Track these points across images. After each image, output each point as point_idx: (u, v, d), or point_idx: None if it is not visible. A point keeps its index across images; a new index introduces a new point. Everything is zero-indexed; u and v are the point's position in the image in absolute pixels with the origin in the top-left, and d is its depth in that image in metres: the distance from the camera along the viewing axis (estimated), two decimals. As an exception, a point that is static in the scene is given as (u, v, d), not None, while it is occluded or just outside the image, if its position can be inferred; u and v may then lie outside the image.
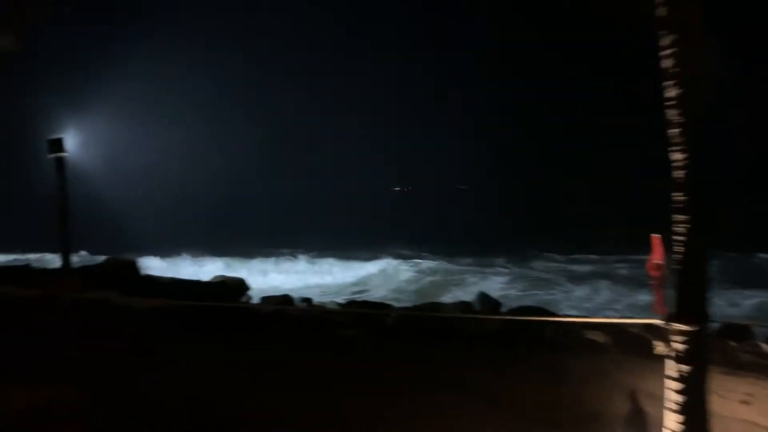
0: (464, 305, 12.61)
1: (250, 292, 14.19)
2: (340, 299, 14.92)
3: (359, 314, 11.54)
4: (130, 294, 11.68)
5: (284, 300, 12.91)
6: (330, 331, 9.39)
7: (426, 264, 24.30)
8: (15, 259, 22.11)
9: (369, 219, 45.49)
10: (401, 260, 25.05)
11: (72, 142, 14.53)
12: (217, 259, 25.02)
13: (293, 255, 27.33)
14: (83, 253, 22.61)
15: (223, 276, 14.53)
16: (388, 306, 13.28)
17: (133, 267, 13.70)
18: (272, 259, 26.35)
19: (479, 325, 9.57)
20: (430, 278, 21.39)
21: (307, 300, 14.13)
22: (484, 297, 13.27)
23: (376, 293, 19.05)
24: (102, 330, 8.40)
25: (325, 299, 15.75)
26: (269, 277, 22.09)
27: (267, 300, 13.06)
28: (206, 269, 21.24)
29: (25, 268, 13.95)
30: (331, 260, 25.44)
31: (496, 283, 19.73)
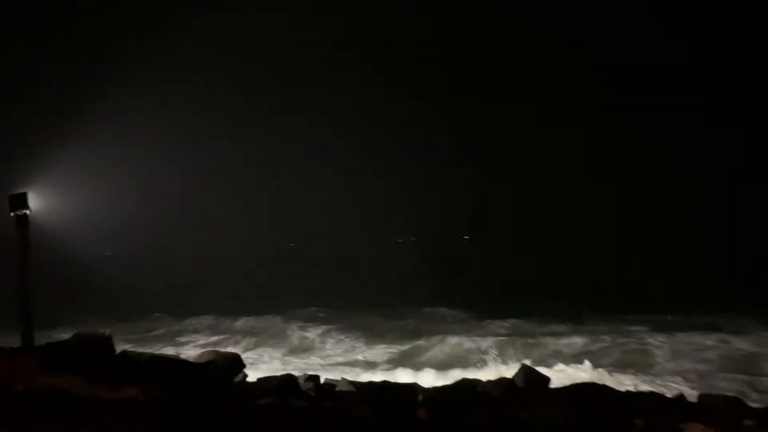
0: (508, 384, 10.64)
1: (246, 370, 12.22)
2: (352, 376, 12.96)
3: (379, 400, 9.64)
4: (100, 379, 9.75)
5: (286, 382, 10.95)
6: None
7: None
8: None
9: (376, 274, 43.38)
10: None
11: (37, 198, 12.98)
12: (204, 318, 23.00)
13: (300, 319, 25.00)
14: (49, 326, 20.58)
15: (214, 351, 12.55)
16: (413, 386, 11.32)
17: (106, 343, 11.78)
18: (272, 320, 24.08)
19: (540, 415, 7.63)
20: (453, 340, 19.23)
21: (314, 379, 12.14)
22: (529, 372, 11.29)
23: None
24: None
25: (337, 375, 13.79)
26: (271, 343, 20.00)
27: (264, 382, 11.12)
28: (192, 339, 19.19)
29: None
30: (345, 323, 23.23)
31: (542, 351, 17.49)
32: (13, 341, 12.50)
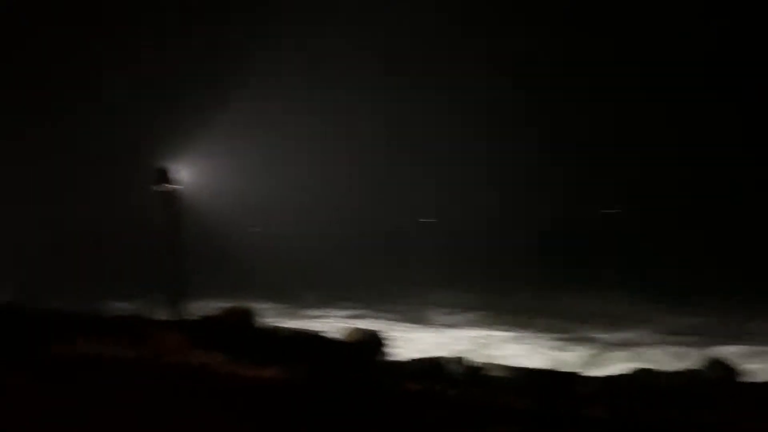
0: (692, 375, 9.09)
1: (388, 350, 11.65)
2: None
3: (539, 389, 8.59)
4: (241, 355, 9.62)
5: (431, 365, 10.19)
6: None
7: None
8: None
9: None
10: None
11: (186, 172, 13.23)
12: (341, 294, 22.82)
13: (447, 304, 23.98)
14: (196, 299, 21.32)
15: (355, 329, 12.11)
16: (573, 375, 10.10)
17: (248, 318, 11.78)
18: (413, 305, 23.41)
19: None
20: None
21: (459, 361, 11.28)
22: (716, 364, 9.60)
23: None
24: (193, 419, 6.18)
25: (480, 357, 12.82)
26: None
27: (408, 363, 10.45)
28: (333, 317, 19.05)
29: (134, 320, 12.57)
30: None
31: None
32: (162, 314, 12.98)
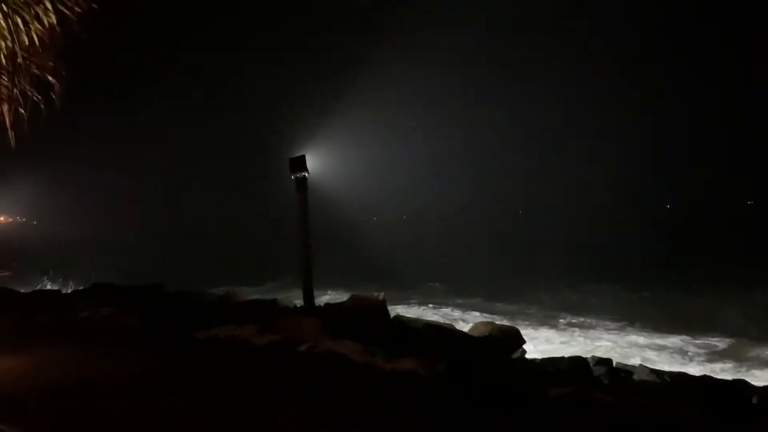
0: None
1: (525, 347, 11.06)
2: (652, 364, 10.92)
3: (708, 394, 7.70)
4: (376, 344, 9.45)
5: (576, 365, 9.46)
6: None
7: None
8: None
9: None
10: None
11: (315, 161, 13.33)
12: (472, 290, 22.21)
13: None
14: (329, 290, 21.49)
15: (491, 324, 11.59)
16: (743, 383, 8.98)
17: (381, 307, 11.64)
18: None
19: None
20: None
21: (606, 363, 10.45)
22: None
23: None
24: (335, 411, 6.02)
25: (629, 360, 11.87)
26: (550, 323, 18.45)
27: (550, 363, 9.78)
28: (461, 310, 18.53)
29: (267, 305, 12.86)
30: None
31: None
32: (293, 301, 13.19)
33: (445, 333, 10.68)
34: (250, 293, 16.40)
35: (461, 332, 11.00)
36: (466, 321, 15.10)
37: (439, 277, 26.97)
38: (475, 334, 10.91)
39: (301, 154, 12.27)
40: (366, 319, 10.90)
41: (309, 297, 11.86)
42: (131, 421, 5.59)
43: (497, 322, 11.89)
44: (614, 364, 10.43)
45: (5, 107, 3.68)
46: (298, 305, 12.56)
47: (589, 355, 11.21)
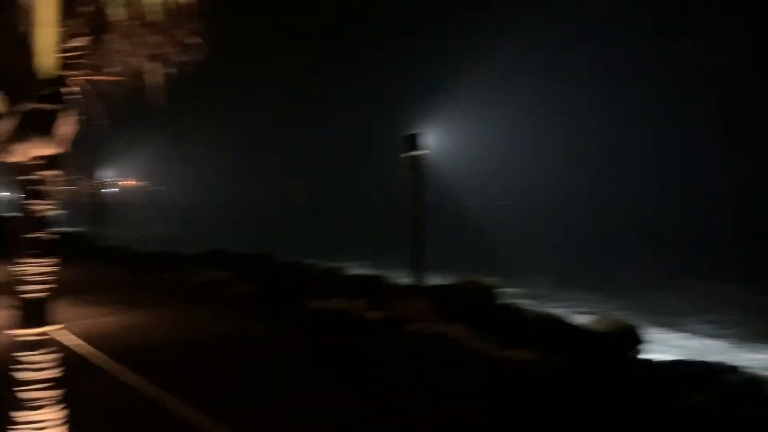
0: None
1: (643, 347, 10.39)
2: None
3: None
4: (484, 331, 9.25)
5: (702, 372, 8.77)
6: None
7: None
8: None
9: None
10: None
11: (433, 138, 13.20)
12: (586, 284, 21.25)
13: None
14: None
15: (607, 319, 11.00)
16: None
17: (490, 292, 11.36)
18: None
19: None
20: None
21: (734, 371, 9.61)
22: None
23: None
24: (448, 393, 5.93)
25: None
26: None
27: (671, 366, 9.14)
28: (577, 304, 17.77)
29: (375, 281, 12.94)
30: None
31: None
32: (403, 279, 13.19)
33: (559, 325, 10.27)
34: (353, 267, 16.63)
35: (576, 326, 10.53)
36: (581, 313, 14.48)
37: (556, 265, 26.15)
38: (592, 328, 10.40)
39: (417, 132, 12.17)
40: (477, 303, 10.70)
41: (418, 276, 11.81)
42: (272, 384, 5.77)
43: (614, 318, 11.28)
44: (745, 372, 9.60)
45: (153, 66, 3.70)
46: (408, 284, 12.53)
47: (713, 360, 10.44)
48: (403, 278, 13.05)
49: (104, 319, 8.84)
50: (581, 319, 11.44)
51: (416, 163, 12.10)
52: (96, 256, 18.15)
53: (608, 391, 6.20)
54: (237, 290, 12.55)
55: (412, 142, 12.02)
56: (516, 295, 15.95)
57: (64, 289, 3.45)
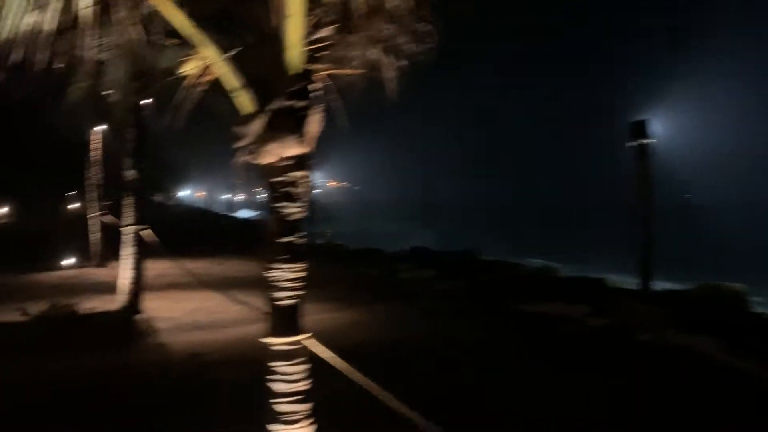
0: None
1: None
2: None
3: None
4: (737, 345, 7.92)
5: None
6: None
7: None
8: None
9: None
10: None
11: (661, 126, 11.83)
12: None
13: None
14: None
15: None
16: None
17: (737, 300, 9.83)
18: None
19: None
20: None
21: None
22: None
23: None
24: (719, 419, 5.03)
25: None
26: None
27: None
28: None
29: (596, 284, 11.94)
30: None
31: None
32: (626, 283, 11.99)
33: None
34: (567, 269, 15.57)
35: None
36: None
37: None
38: None
39: (644, 119, 10.98)
40: (721, 312, 9.28)
41: (646, 280, 10.61)
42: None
43: None
44: None
45: (388, 59, 3.41)
46: (632, 288, 11.33)
47: None
48: (626, 281, 11.85)
49: (327, 315, 9.13)
50: None
51: (643, 153, 10.90)
52: (308, 254, 19.30)
53: None
54: (442, 288, 12.37)
55: (639, 129, 10.86)
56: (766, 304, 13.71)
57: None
